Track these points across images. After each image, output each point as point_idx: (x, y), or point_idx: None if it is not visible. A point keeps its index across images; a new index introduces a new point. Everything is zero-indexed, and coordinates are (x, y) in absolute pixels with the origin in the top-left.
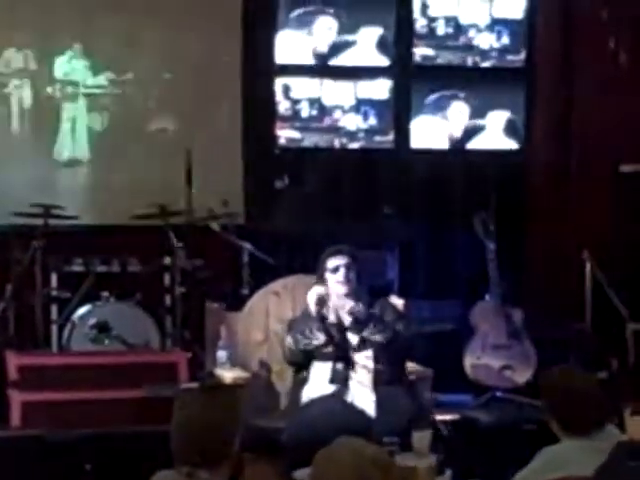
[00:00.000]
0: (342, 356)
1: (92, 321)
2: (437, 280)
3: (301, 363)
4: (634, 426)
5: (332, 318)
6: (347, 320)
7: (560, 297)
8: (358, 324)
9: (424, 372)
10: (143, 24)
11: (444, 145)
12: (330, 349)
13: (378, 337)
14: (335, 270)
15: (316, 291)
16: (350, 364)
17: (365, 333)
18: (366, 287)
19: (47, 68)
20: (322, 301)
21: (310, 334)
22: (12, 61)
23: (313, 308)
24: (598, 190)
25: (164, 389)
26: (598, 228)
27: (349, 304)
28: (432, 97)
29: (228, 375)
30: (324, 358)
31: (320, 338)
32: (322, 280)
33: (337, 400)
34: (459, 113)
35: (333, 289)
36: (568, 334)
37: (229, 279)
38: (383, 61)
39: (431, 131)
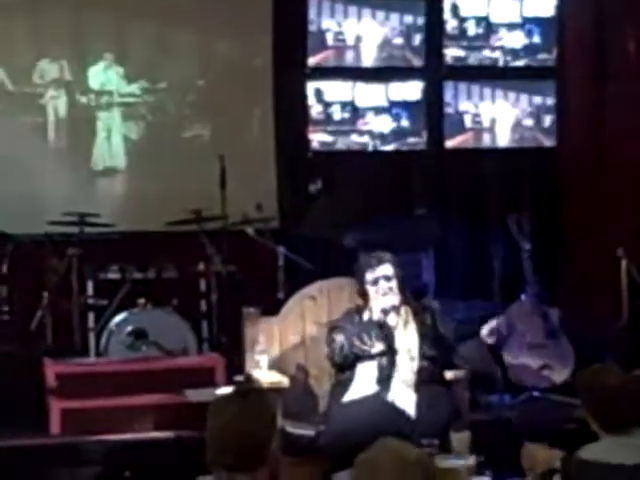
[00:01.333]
0: (387, 356)
1: (129, 328)
2: (473, 281)
3: (348, 365)
4: None
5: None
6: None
7: (596, 295)
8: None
9: (461, 373)
10: (175, 32)
11: (477, 144)
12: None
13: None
14: (374, 283)
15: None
16: (394, 364)
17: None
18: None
19: (82, 78)
20: (386, 311)
21: (369, 341)
22: (47, 72)
23: (377, 316)
24: (633, 187)
25: (202, 394)
26: (633, 225)
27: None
28: (464, 97)
29: (265, 379)
30: (369, 358)
31: (379, 347)
32: (363, 294)
33: (378, 400)
34: (491, 112)
35: (376, 302)
36: (605, 332)
37: (264, 283)
38: (415, 62)
39: (464, 131)
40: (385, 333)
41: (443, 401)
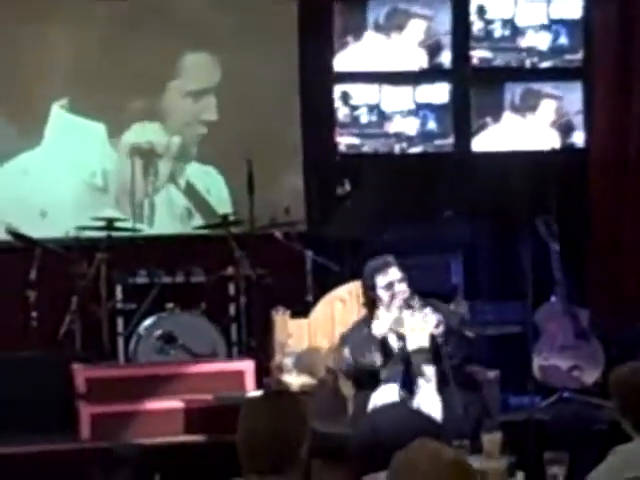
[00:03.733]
0: (406, 362)
1: (158, 332)
2: (501, 282)
3: (357, 377)
4: None
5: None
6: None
7: (625, 296)
8: (445, 338)
9: (491, 374)
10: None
11: (504, 147)
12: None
13: (456, 352)
14: (389, 287)
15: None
16: (414, 369)
17: (447, 348)
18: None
19: None
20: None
21: (370, 355)
22: None
23: (379, 331)
24: None
25: (232, 398)
26: None
27: (432, 319)
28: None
29: (295, 382)
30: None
31: (377, 361)
32: (375, 296)
33: (403, 407)
34: (518, 115)
35: (387, 305)
36: (635, 332)
37: (293, 287)
38: (442, 64)
39: (491, 133)
40: (387, 346)
41: (474, 402)
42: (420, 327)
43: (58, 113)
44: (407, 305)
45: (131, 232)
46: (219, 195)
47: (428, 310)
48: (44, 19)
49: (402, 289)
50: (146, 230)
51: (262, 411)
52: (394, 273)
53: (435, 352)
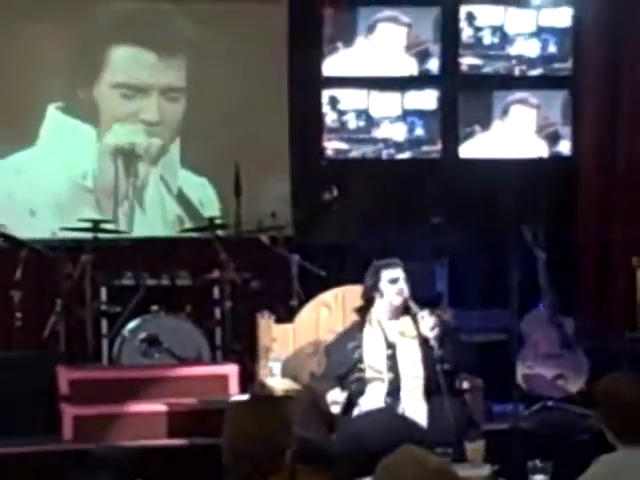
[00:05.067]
0: (393, 370)
1: (142, 335)
2: (487, 290)
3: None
4: None
5: (377, 334)
6: (395, 334)
7: (611, 305)
8: (440, 341)
9: (475, 382)
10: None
11: (491, 154)
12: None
13: (450, 357)
14: (394, 281)
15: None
16: (400, 376)
17: (440, 352)
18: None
19: None
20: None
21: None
22: None
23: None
24: None
25: (216, 402)
26: None
27: (429, 321)
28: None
29: (279, 387)
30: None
31: (338, 398)
32: (377, 291)
33: (388, 412)
34: (506, 121)
35: (390, 300)
36: (620, 342)
37: (278, 291)
38: (430, 71)
39: (479, 140)
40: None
41: (457, 409)
42: (411, 332)
43: (53, 114)
44: (405, 306)
45: (117, 234)
46: (210, 204)
47: (425, 312)
48: (42, 17)
49: (405, 288)
50: (132, 232)
51: (248, 415)
52: (400, 272)
53: (426, 355)
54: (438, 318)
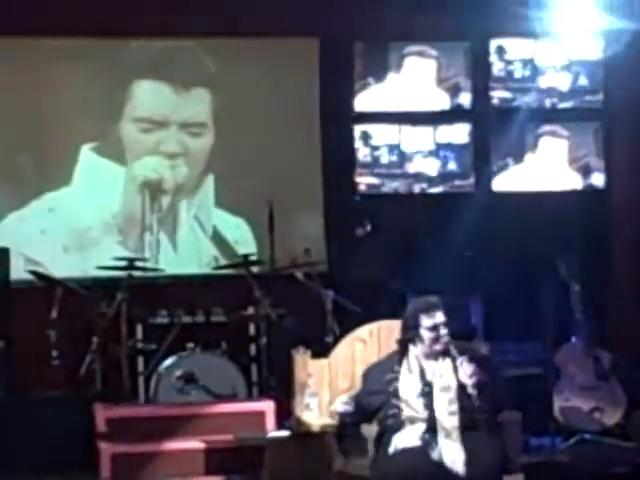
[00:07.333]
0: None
1: (178, 372)
2: (522, 323)
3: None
4: None
5: (414, 370)
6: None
7: None
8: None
9: (512, 416)
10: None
11: (525, 187)
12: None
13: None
14: (434, 329)
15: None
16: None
17: (478, 401)
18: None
19: None
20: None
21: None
22: None
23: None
24: None
25: (253, 438)
26: None
27: (467, 369)
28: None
29: (316, 422)
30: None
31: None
32: (417, 336)
33: (424, 457)
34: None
35: (429, 345)
36: None
37: (313, 327)
38: (462, 105)
39: (512, 173)
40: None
41: (493, 445)
42: (449, 375)
43: (87, 155)
44: (445, 351)
45: (152, 272)
46: (245, 243)
47: (464, 358)
48: (74, 59)
49: (445, 333)
50: (165, 270)
51: (290, 451)
52: (439, 316)
53: (462, 401)
54: (477, 365)
